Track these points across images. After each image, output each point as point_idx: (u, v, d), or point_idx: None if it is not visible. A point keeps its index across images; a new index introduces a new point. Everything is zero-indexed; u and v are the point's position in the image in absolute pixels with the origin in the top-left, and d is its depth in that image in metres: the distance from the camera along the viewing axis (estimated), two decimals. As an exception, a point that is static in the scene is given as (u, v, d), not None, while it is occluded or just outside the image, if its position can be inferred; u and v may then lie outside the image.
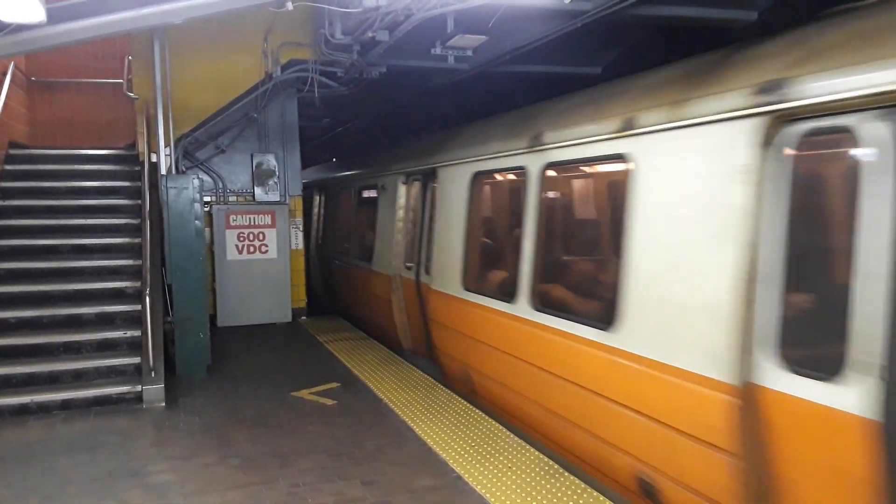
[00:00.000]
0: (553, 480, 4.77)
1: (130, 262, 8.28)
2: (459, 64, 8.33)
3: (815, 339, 3.51)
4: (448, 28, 7.00)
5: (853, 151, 3.18)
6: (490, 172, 7.08)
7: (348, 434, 5.84)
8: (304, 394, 7.03)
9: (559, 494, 4.56)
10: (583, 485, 4.70)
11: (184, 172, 9.81)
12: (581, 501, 4.46)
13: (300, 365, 8.33)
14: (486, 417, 6.09)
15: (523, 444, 5.47)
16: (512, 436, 5.64)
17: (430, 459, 5.23)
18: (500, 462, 5.11)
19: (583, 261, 6.33)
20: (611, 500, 4.49)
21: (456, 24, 6.96)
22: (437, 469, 5.05)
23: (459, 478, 4.87)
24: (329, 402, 6.75)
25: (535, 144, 5.97)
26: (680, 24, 6.16)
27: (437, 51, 7.95)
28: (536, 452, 5.28)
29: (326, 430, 5.93)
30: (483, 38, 7.47)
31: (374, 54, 8.10)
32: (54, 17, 5.31)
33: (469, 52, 8.13)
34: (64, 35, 5.49)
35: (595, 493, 4.56)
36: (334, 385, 7.31)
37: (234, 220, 10.69)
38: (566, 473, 4.88)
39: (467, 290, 7.09)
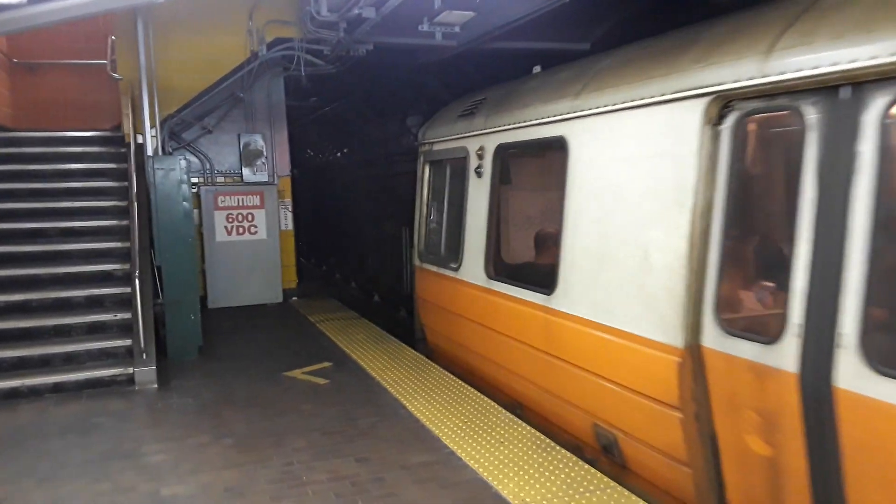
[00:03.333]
0: (544, 454, 4.84)
1: (119, 244, 8.24)
2: (447, 41, 8.27)
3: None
4: (435, 4, 6.93)
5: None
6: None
7: (341, 412, 5.88)
8: (297, 373, 7.06)
9: (550, 468, 4.62)
10: (574, 458, 4.77)
11: (170, 153, 9.72)
12: (572, 474, 4.53)
13: (292, 345, 8.35)
14: (478, 394, 6.15)
15: (514, 419, 5.53)
16: (503, 411, 5.70)
17: (423, 436, 5.28)
18: (492, 437, 5.17)
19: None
20: (601, 472, 4.57)
21: (443, 0, 6.89)
22: (430, 445, 5.10)
23: (452, 453, 4.93)
24: (321, 381, 6.79)
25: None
26: (668, -1, 6.15)
27: (425, 27, 7.89)
28: (528, 427, 5.34)
29: (319, 409, 5.98)
30: (471, 13, 7.41)
31: (360, 31, 8.02)
32: (34, -4, 5.23)
33: (457, 29, 8.07)
34: (45, 15, 5.40)
35: (586, 466, 4.64)
36: (326, 364, 7.35)
37: (222, 202, 10.63)
38: (557, 447, 4.95)
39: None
